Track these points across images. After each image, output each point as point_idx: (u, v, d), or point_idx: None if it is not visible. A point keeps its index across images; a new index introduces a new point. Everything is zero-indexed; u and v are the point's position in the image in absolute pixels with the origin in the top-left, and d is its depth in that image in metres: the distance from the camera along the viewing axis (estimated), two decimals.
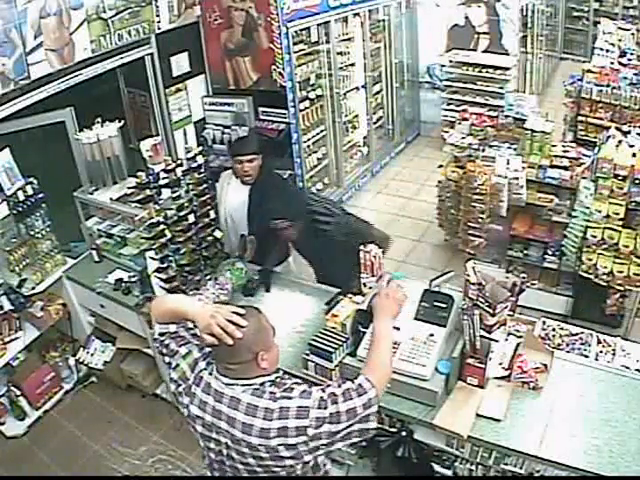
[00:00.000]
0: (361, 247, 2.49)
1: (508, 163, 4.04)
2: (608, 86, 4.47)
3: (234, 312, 1.67)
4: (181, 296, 1.86)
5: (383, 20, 6.65)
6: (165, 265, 2.92)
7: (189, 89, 5.03)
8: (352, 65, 6.19)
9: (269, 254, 3.17)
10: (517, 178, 3.99)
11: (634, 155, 3.39)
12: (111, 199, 3.55)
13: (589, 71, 4.56)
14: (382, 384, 1.81)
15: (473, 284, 2.38)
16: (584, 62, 5.43)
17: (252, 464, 1.68)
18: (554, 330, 2.97)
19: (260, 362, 1.68)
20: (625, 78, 4.43)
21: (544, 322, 3.02)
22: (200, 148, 3.10)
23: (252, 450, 1.65)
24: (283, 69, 4.85)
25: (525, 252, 4.36)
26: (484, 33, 6.94)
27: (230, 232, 3.37)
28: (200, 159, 2.98)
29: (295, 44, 5.01)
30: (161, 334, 1.86)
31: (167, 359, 1.83)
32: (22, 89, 3.51)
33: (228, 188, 3.35)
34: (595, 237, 3.54)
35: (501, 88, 6.52)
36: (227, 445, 1.70)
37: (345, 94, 6.07)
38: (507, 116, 4.32)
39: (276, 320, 1.86)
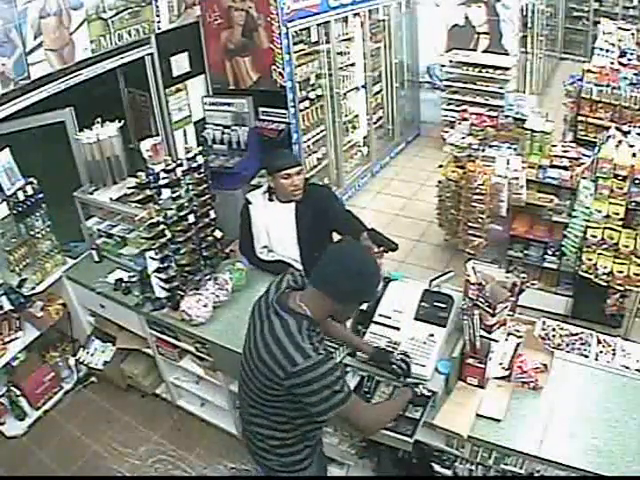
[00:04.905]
0: None
1: (508, 163, 4.04)
2: (608, 86, 4.47)
3: None
4: None
5: (383, 20, 6.64)
6: (165, 265, 2.92)
7: (189, 89, 5.03)
8: (352, 65, 6.19)
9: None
10: (517, 178, 3.99)
11: (634, 155, 3.40)
12: (111, 199, 3.54)
13: (589, 71, 4.56)
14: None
15: (473, 284, 2.38)
16: (584, 62, 5.43)
17: None
18: (554, 330, 2.97)
19: None
20: (625, 78, 4.43)
21: (544, 322, 3.02)
22: (200, 148, 3.09)
23: None
24: (283, 69, 4.85)
25: (525, 252, 4.35)
26: (484, 33, 6.94)
27: (275, 255, 3.04)
28: (200, 159, 2.98)
29: (295, 44, 5.00)
30: None
31: None
32: (22, 89, 3.50)
33: (264, 210, 3.01)
34: (595, 237, 3.54)
35: (501, 88, 6.53)
36: None
37: (345, 94, 6.07)
38: (507, 116, 4.32)
39: None
